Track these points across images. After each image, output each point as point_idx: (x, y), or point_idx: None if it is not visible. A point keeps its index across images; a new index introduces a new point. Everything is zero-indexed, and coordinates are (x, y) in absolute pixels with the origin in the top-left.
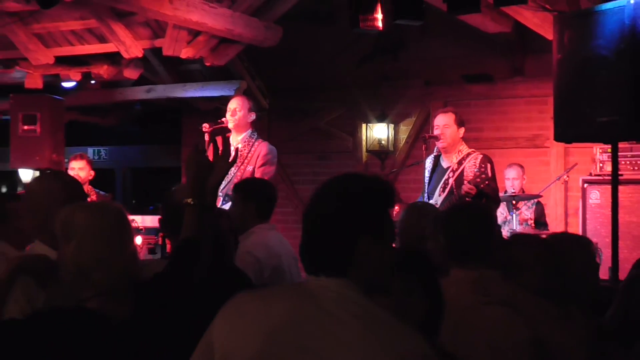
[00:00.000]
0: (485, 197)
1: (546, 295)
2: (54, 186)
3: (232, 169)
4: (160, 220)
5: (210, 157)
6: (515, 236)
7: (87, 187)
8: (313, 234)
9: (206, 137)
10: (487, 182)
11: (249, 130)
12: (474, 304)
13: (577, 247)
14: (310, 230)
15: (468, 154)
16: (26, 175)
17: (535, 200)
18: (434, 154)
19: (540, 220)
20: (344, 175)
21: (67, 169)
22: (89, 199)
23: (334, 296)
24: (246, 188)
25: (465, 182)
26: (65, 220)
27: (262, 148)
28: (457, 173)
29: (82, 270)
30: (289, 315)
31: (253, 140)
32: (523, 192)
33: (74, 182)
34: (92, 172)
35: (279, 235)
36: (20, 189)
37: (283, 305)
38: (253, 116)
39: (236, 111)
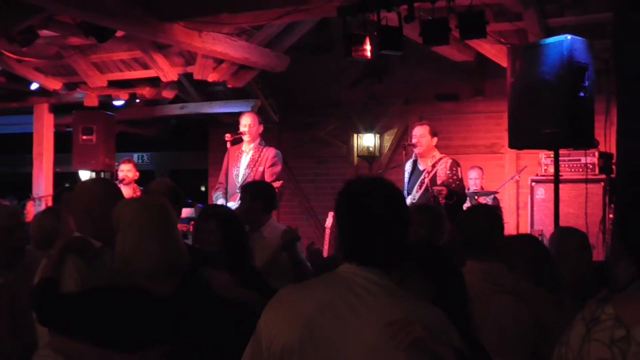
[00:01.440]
0: (455, 194)
1: (539, 284)
2: (92, 188)
3: (246, 169)
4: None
5: (225, 164)
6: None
7: (133, 185)
8: (360, 229)
9: (228, 145)
10: (457, 183)
11: (259, 139)
12: (485, 292)
13: (566, 238)
14: (356, 225)
15: (440, 159)
16: (85, 175)
17: (493, 195)
18: (412, 158)
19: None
20: (383, 181)
21: (117, 170)
22: (134, 195)
23: (361, 283)
24: (252, 189)
25: (438, 183)
26: (116, 214)
27: (269, 152)
28: (431, 174)
29: (125, 257)
30: (324, 300)
31: (262, 147)
32: (483, 189)
33: (112, 185)
34: (137, 173)
35: None
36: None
37: (318, 292)
38: (262, 128)
39: (250, 126)
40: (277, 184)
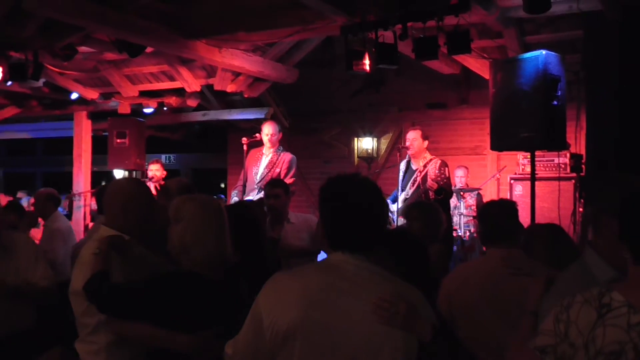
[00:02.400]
0: (443, 191)
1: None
2: (126, 187)
3: (265, 170)
4: None
5: (246, 164)
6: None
7: (160, 183)
8: (343, 221)
9: (244, 147)
10: (445, 181)
11: (278, 145)
12: (505, 276)
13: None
14: (340, 217)
15: (430, 159)
16: (119, 174)
17: (477, 192)
18: (406, 159)
19: (479, 206)
20: (360, 178)
21: (147, 169)
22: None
23: (352, 269)
24: (284, 185)
25: (429, 179)
26: (177, 207)
27: (286, 157)
28: (422, 173)
29: (184, 246)
30: (317, 284)
31: (280, 152)
32: (467, 186)
33: (142, 184)
34: (165, 172)
35: None
36: None
37: (312, 277)
38: (280, 136)
39: (271, 135)
40: (289, 182)
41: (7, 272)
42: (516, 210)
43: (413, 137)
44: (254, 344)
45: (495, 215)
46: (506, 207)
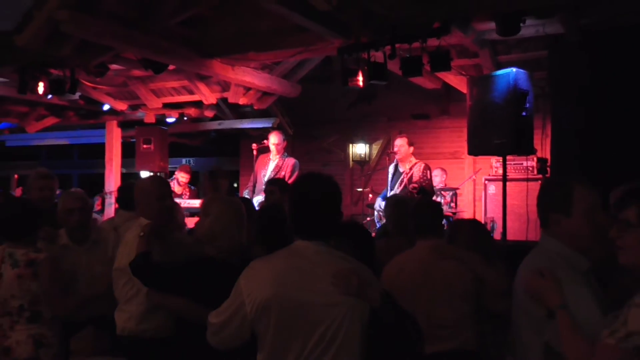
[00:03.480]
0: (425, 191)
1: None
2: (149, 185)
3: (272, 173)
4: None
5: (256, 168)
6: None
7: (185, 185)
8: (304, 213)
9: (254, 153)
10: (427, 182)
11: (283, 152)
12: (432, 261)
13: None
14: (301, 210)
15: (415, 163)
16: (145, 174)
17: (454, 191)
18: (394, 162)
19: (455, 203)
20: (322, 176)
21: (172, 172)
22: (184, 191)
23: (312, 252)
24: (282, 184)
25: (413, 182)
26: (207, 204)
27: (290, 162)
28: (408, 175)
29: (214, 235)
30: (286, 266)
31: (285, 158)
32: (446, 185)
33: (165, 183)
34: (189, 177)
35: None
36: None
37: (281, 261)
38: (285, 144)
39: (277, 144)
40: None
41: (95, 263)
42: (442, 210)
43: (400, 144)
44: (235, 314)
45: (425, 213)
46: (434, 207)
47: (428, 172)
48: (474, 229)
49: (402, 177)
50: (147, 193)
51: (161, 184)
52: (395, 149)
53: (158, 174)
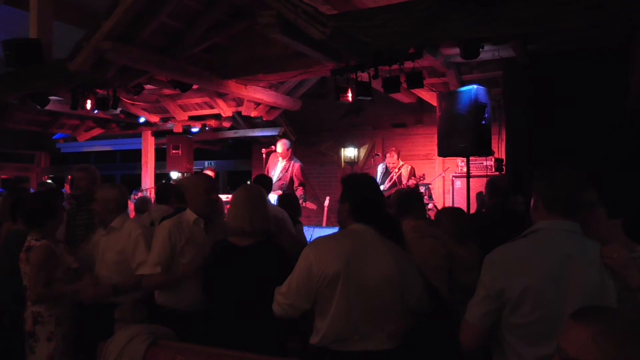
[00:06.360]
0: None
1: (458, 236)
2: (198, 180)
3: (280, 173)
4: None
5: (267, 166)
6: (442, 208)
7: None
8: (365, 204)
9: (264, 156)
10: (414, 179)
11: (289, 156)
12: (414, 238)
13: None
14: (363, 201)
15: (402, 165)
16: (174, 175)
17: (427, 186)
18: (384, 164)
19: (429, 195)
20: (369, 175)
21: (202, 171)
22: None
23: (369, 234)
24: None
25: (411, 179)
26: (234, 196)
27: (296, 165)
28: (397, 174)
29: (237, 220)
30: (352, 245)
31: (292, 161)
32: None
33: (209, 178)
34: (214, 174)
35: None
36: (172, 181)
37: (347, 240)
38: (291, 151)
39: (282, 151)
40: (300, 192)
41: (108, 248)
42: (422, 196)
43: (394, 158)
44: (304, 283)
45: (407, 199)
46: (410, 194)
47: (414, 171)
48: (455, 215)
49: (391, 175)
50: (196, 187)
51: (207, 180)
52: (391, 165)
53: (185, 174)
